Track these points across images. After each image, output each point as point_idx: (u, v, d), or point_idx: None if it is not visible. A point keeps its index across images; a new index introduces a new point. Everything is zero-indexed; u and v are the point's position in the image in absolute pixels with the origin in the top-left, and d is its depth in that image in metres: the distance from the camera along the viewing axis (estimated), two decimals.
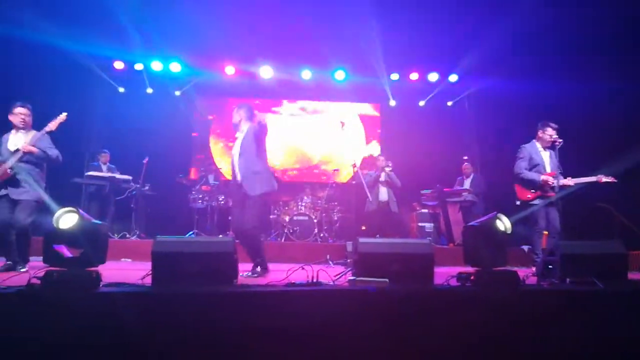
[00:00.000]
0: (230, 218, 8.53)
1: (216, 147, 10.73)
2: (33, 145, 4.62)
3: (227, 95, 10.73)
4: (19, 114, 4.76)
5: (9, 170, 4.58)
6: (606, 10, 7.12)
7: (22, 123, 4.77)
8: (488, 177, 8.74)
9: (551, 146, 5.42)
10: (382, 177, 7.69)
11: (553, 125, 5.42)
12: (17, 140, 4.74)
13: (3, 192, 4.62)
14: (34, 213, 4.67)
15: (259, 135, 4.71)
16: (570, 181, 5.28)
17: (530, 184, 5.39)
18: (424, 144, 9.86)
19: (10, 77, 7.38)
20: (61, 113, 4.77)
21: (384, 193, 7.69)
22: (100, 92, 9.73)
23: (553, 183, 5.22)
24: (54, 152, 4.80)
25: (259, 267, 4.58)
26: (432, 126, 10.20)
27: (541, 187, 5.32)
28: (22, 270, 4.43)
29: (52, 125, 4.71)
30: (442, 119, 10.38)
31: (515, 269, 3.61)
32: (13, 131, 4.82)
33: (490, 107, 9.66)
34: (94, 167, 8.17)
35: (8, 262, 4.57)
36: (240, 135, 4.82)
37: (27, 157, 4.66)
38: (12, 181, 4.62)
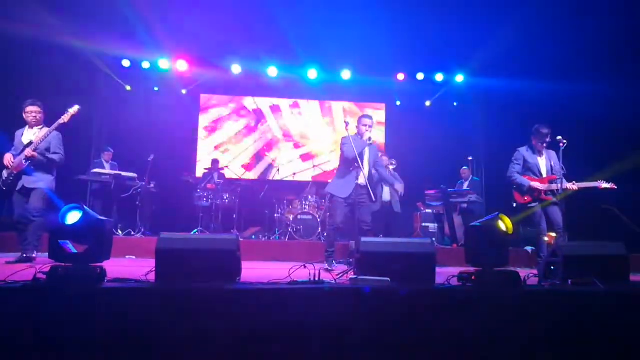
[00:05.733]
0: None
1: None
2: (35, 151, 4.84)
3: (233, 94, 10.80)
4: (31, 112, 5.01)
5: (23, 161, 4.82)
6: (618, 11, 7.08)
7: (35, 120, 5.02)
8: (494, 178, 8.71)
9: (555, 147, 5.40)
10: None
11: (544, 130, 5.37)
12: (31, 135, 5.00)
13: (19, 185, 4.86)
14: (46, 199, 4.90)
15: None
16: (573, 185, 5.26)
17: (520, 189, 5.43)
18: (430, 144, 9.86)
19: (18, 75, 7.46)
20: (73, 105, 4.99)
21: (386, 193, 7.66)
22: (108, 90, 9.81)
23: (542, 188, 5.25)
24: (56, 156, 5.00)
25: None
26: (437, 126, 10.16)
27: (530, 192, 5.33)
28: (31, 255, 4.71)
29: (65, 118, 4.95)
30: (448, 120, 10.35)
31: (518, 269, 3.62)
32: (27, 127, 5.07)
33: (497, 108, 9.63)
34: (96, 164, 8.23)
35: (23, 255, 4.75)
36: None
37: (40, 150, 4.89)
38: (26, 171, 4.86)
